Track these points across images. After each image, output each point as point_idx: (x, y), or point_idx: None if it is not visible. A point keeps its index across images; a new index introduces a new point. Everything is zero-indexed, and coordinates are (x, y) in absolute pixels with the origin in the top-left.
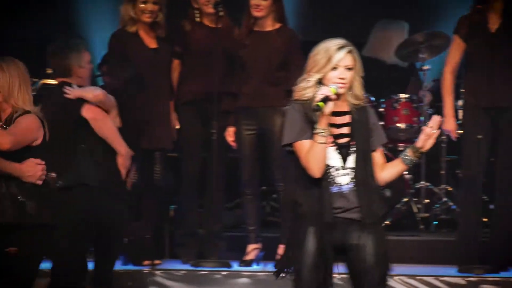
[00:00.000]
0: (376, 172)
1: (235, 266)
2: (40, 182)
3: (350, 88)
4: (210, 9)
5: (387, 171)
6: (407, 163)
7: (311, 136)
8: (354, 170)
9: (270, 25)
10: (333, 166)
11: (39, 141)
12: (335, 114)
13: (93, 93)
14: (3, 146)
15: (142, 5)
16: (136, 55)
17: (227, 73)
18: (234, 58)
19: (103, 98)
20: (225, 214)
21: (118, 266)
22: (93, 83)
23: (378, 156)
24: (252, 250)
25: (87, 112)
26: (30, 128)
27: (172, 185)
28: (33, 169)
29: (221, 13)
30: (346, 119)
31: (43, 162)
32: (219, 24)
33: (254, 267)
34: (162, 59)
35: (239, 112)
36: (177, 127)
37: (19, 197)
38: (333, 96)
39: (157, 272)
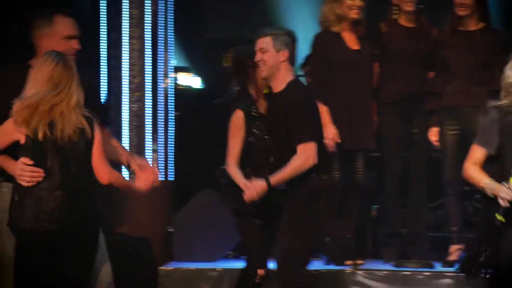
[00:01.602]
0: None
1: (438, 267)
2: (23, 183)
3: None
4: (409, 7)
5: None
6: None
7: (494, 147)
8: None
9: (474, 25)
10: None
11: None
12: None
13: None
14: None
15: (349, 1)
16: (339, 56)
17: (427, 73)
18: (435, 58)
19: None
20: (428, 214)
21: (320, 266)
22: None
23: None
24: (455, 250)
25: None
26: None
27: (375, 184)
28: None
29: (419, 15)
30: None
31: (30, 162)
32: (417, 24)
33: (457, 268)
34: (364, 60)
35: (442, 112)
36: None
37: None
38: None
39: (359, 272)
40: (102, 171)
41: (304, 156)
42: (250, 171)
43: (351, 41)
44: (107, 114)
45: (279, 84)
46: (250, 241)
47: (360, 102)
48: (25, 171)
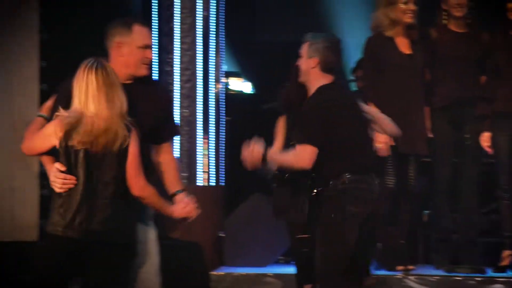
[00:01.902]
0: None
1: (490, 272)
2: (55, 189)
3: None
4: (458, 12)
5: None
6: None
7: None
8: None
9: None
10: None
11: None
12: None
13: (390, 130)
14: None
15: (403, 6)
16: (391, 60)
17: (478, 78)
18: (486, 63)
19: (395, 134)
20: (480, 219)
21: (372, 271)
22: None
23: None
24: (508, 256)
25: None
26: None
27: (426, 190)
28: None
29: (469, 20)
30: None
31: (63, 168)
32: (467, 29)
33: (509, 273)
34: (416, 65)
35: (494, 117)
36: (430, 135)
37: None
38: None
39: (411, 277)
40: (134, 183)
41: (296, 156)
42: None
43: (404, 46)
44: (175, 127)
45: (311, 90)
46: (295, 254)
47: (412, 107)
48: (57, 177)
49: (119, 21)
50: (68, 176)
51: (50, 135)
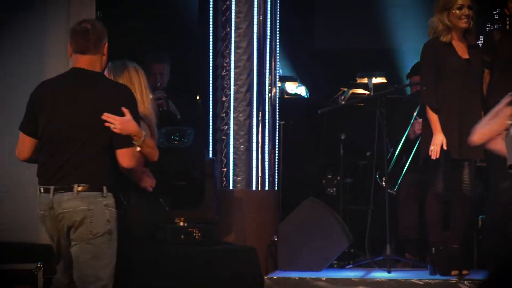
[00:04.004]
0: None
1: None
2: None
3: None
4: None
5: None
6: None
7: None
8: None
9: None
10: None
11: None
12: None
13: None
14: None
15: (457, 11)
16: (449, 64)
17: None
18: None
19: None
20: None
21: (426, 276)
22: None
23: None
24: None
25: None
26: None
27: (481, 194)
28: None
29: None
30: None
31: None
32: None
33: None
34: (474, 69)
35: None
36: None
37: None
38: None
39: (465, 282)
40: None
41: None
42: None
43: (461, 50)
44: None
45: None
46: None
47: (469, 111)
48: None
49: None
50: None
51: None
